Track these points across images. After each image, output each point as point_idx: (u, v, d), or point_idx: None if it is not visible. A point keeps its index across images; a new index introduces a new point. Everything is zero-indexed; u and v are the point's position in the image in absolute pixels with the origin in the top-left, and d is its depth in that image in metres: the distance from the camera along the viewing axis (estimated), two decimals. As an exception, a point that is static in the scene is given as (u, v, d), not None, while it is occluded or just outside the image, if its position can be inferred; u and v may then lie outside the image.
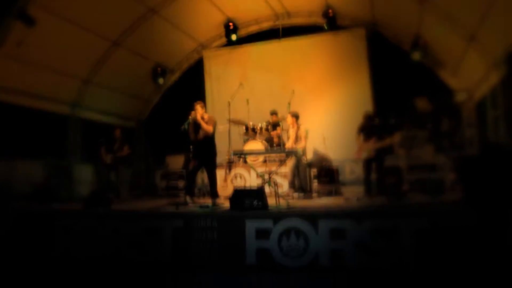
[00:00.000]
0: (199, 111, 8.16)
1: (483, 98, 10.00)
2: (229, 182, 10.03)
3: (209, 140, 8.27)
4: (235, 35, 13.16)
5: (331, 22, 12.08)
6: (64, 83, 11.20)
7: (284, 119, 10.83)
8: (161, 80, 13.64)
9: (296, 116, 9.72)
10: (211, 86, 14.30)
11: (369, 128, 8.85)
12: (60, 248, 6.79)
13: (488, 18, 7.94)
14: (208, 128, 8.11)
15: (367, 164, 8.79)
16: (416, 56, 11.18)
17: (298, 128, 9.65)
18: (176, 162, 12.16)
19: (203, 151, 8.23)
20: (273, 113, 11.45)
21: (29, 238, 6.94)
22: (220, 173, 9.94)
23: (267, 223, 5.92)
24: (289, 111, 10.16)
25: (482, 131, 10.12)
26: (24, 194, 8.75)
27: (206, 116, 8.29)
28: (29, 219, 7.11)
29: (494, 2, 7.43)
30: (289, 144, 9.82)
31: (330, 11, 11.98)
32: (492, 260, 4.95)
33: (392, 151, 9.84)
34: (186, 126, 8.10)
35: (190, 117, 8.10)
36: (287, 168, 9.54)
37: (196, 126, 8.18)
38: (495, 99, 9.17)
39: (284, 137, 10.97)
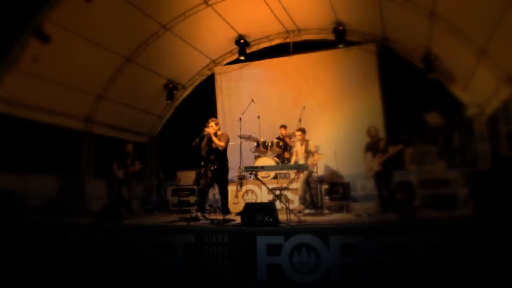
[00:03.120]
0: (213, 128, 8.25)
1: (494, 112, 9.95)
2: (240, 198, 10.05)
3: (221, 156, 8.33)
4: (243, 56, 13.31)
5: (341, 38, 12.10)
6: (77, 98, 11.32)
7: (294, 134, 10.86)
8: (167, 96, 13.79)
9: (301, 131, 9.81)
10: (223, 102, 14.41)
11: (374, 145, 8.98)
12: (73, 260, 6.84)
13: (497, 32, 7.94)
14: (221, 144, 8.20)
15: (378, 179, 8.87)
16: (430, 74, 11.16)
17: (307, 143, 9.71)
18: (188, 177, 12.18)
19: (215, 167, 8.28)
20: (283, 126, 11.50)
21: (42, 250, 6.99)
22: (231, 189, 9.97)
23: (278, 239, 5.91)
24: (298, 127, 10.21)
25: (494, 146, 10.05)
26: (37, 208, 8.82)
27: (219, 132, 8.39)
28: (42, 232, 7.17)
29: (504, 17, 7.44)
30: (295, 159, 9.89)
31: (340, 27, 12.03)
32: (504, 276, 4.91)
33: (404, 167, 9.86)
34: (198, 141, 8.18)
35: (204, 133, 8.18)
36: (298, 183, 9.54)
37: (209, 142, 8.25)
38: (507, 113, 9.13)
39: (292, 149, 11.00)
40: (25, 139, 9.92)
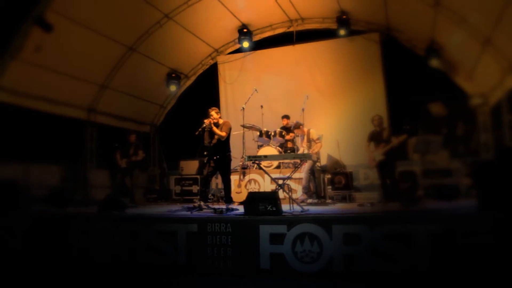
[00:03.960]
0: (213, 117, 8.25)
1: (498, 102, 9.93)
2: (243, 187, 10.06)
3: (224, 145, 8.33)
4: (247, 42, 13.14)
5: (344, 27, 12.02)
6: (80, 88, 11.33)
7: (297, 126, 10.84)
8: (172, 88, 13.67)
9: (297, 127, 9.80)
10: (226, 91, 14.37)
11: (377, 134, 8.97)
12: (77, 250, 6.88)
13: (502, 21, 7.89)
14: (222, 133, 8.19)
15: (381, 169, 8.86)
16: (434, 63, 11.08)
17: (308, 133, 9.70)
18: (190, 167, 12.21)
19: (219, 156, 8.29)
20: (285, 116, 11.46)
21: (46, 240, 7.03)
22: (234, 178, 9.99)
23: (281, 228, 5.93)
24: (295, 122, 10.20)
25: (497, 136, 10.03)
26: (40, 197, 8.85)
27: (221, 121, 8.38)
28: (46, 221, 7.21)
29: (508, 6, 7.39)
30: (302, 151, 9.90)
31: (343, 16, 11.95)
32: (507, 266, 4.91)
33: (407, 156, 9.86)
34: (200, 131, 8.19)
35: (204, 124, 8.18)
36: (301, 173, 9.55)
37: (211, 131, 8.26)
38: (510, 103, 9.11)
39: (298, 143, 10.98)
40: (28, 129, 9.93)
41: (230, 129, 8.41)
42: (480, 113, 10.88)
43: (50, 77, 10.22)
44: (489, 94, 10.45)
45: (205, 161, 8.54)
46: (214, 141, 8.29)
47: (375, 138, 9.08)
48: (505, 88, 9.21)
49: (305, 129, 9.84)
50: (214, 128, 8.21)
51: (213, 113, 8.32)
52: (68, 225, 7.05)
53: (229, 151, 8.45)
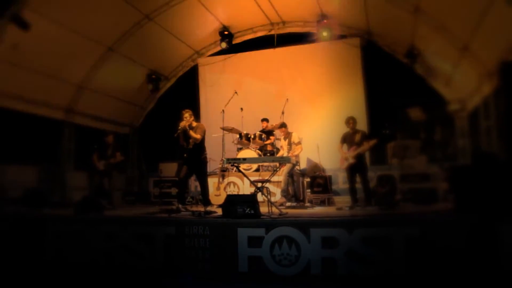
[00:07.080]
0: (187, 120, 8.21)
1: (475, 108, 10.05)
2: (222, 190, 10.02)
3: (199, 147, 8.30)
4: (225, 43, 13.09)
5: (325, 31, 12.05)
6: (58, 88, 11.16)
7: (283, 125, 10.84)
8: (149, 86, 13.52)
9: (283, 126, 9.81)
10: (206, 93, 14.32)
11: (350, 136, 8.98)
12: (52, 253, 6.78)
13: (480, 29, 8.01)
14: (196, 136, 8.16)
15: (350, 172, 8.87)
16: (414, 69, 11.17)
17: (290, 136, 9.72)
18: (169, 169, 12.12)
19: (193, 158, 8.26)
20: (264, 119, 11.46)
21: (21, 242, 6.92)
22: (213, 181, 9.95)
23: (259, 231, 5.92)
24: (280, 121, 10.21)
25: (474, 141, 10.16)
26: (15, 199, 8.70)
27: (194, 124, 8.34)
28: (21, 223, 7.09)
29: (486, 14, 7.50)
30: (282, 153, 9.90)
31: (325, 20, 12.00)
32: (482, 269, 4.97)
33: (385, 161, 9.92)
34: (179, 133, 8.14)
35: (179, 127, 8.13)
36: (280, 176, 9.54)
37: (186, 134, 8.21)
38: (487, 109, 9.23)
39: (278, 145, 10.99)
40: (4, 129, 9.74)
41: (204, 131, 8.37)
42: (458, 118, 10.99)
43: (28, 76, 10.04)
44: (466, 100, 10.57)
45: (182, 163, 8.51)
46: (190, 145, 8.25)
47: (347, 140, 9.07)
48: (482, 94, 9.33)
49: (289, 132, 9.85)
50: (191, 132, 8.17)
51: (187, 115, 8.27)
52: (43, 227, 6.94)
53: (204, 154, 8.43)
